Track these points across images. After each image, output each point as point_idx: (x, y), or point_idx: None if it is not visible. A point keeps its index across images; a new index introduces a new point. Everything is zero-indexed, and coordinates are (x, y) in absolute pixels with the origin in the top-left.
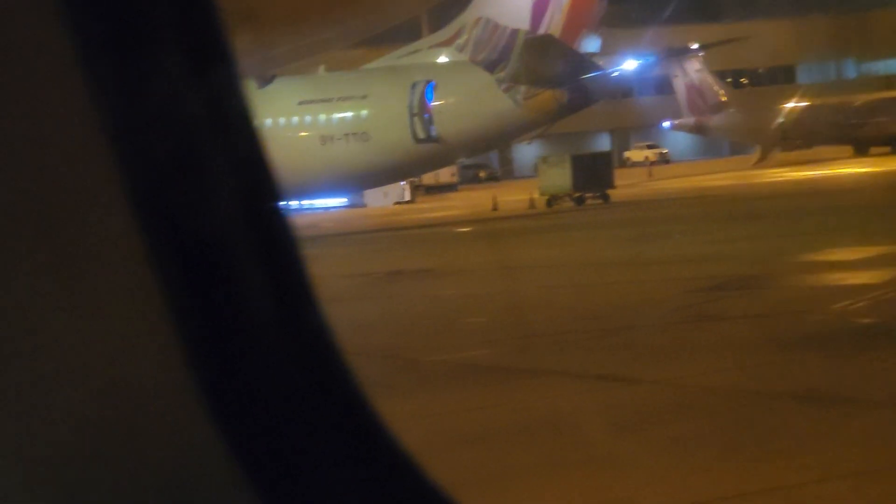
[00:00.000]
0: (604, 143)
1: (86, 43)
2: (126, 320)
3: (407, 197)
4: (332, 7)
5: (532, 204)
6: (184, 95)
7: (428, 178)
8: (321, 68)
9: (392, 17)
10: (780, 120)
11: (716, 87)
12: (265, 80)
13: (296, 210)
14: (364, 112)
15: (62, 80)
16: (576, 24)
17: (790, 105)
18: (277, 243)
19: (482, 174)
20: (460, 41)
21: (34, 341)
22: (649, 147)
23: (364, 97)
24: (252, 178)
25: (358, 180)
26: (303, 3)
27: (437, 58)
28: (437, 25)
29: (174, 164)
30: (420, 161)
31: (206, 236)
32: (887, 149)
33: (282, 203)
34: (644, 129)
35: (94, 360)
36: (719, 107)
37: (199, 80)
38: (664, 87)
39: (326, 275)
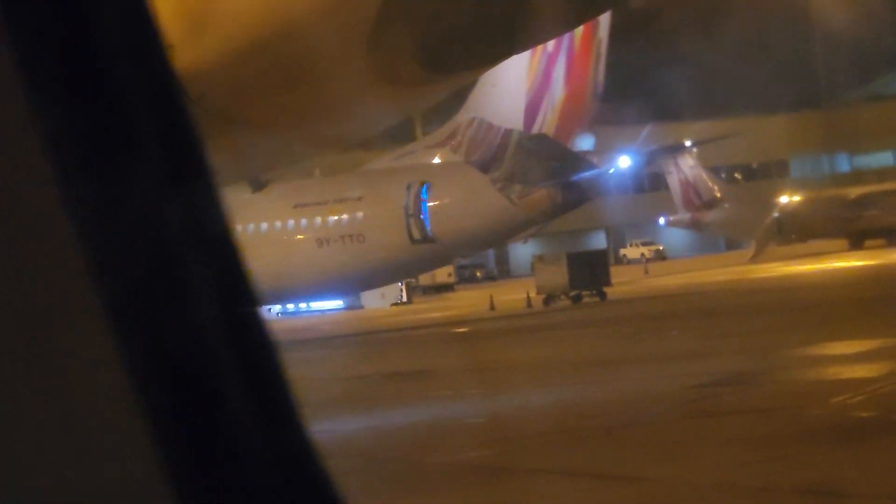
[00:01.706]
0: (600, 241)
1: (60, 153)
2: (106, 443)
3: (404, 298)
4: (305, 115)
5: (529, 303)
6: (159, 207)
7: (425, 279)
8: (316, 171)
9: (368, 127)
10: (775, 215)
11: (710, 183)
12: (260, 185)
13: (293, 313)
14: (360, 214)
15: (37, 197)
16: (569, 122)
17: (784, 200)
18: (257, 353)
19: (479, 274)
20: (455, 142)
21: None
22: (645, 244)
23: (359, 199)
24: (230, 287)
25: (354, 282)
26: (276, 109)
27: (432, 159)
28: (431, 127)
29: (150, 279)
30: (416, 262)
31: (186, 351)
32: (882, 241)
33: (260, 310)
34: (639, 226)
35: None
36: (714, 202)
37: (175, 191)
38: (659, 183)
39: (323, 377)
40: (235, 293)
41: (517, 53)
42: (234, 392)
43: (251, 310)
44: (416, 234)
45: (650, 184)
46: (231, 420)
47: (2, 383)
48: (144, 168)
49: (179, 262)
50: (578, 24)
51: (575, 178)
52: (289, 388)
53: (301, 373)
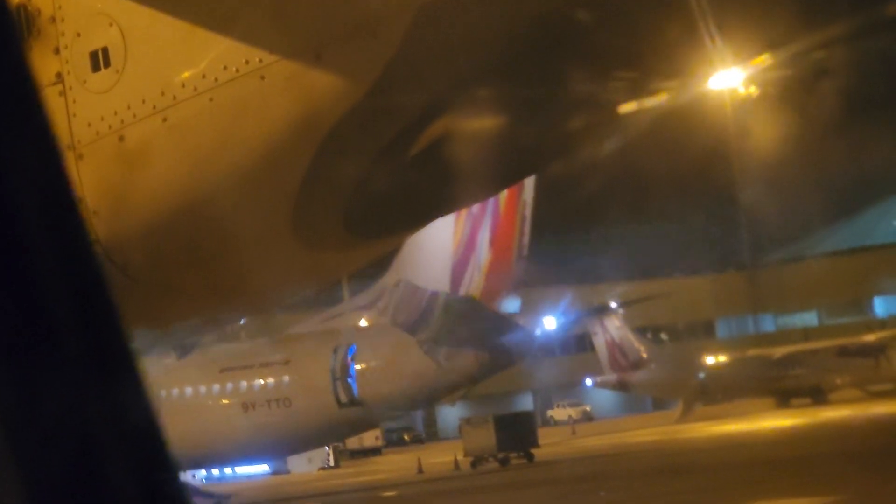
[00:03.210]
0: (527, 403)
1: None
2: None
3: (331, 462)
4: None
5: (457, 465)
6: (81, 394)
7: (352, 442)
8: (242, 334)
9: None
10: (701, 375)
11: (636, 344)
12: (185, 350)
13: (218, 478)
14: (286, 377)
15: None
16: (495, 284)
17: (710, 360)
18: None
19: (407, 437)
20: (381, 304)
21: None
22: (572, 405)
23: (286, 363)
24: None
25: (281, 446)
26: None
27: (359, 321)
28: (358, 289)
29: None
30: (344, 425)
31: None
32: (808, 400)
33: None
34: (566, 388)
35: None
36: (640, 363)
37: (94, 373)
38: (585, 344)
39: None
40: (155, 466)
41: (442, 217)
42: None
43: (172, 482)
44: (343, 398)
45: (577, 345)
46: None
47: None
48: (65, 350)
49: (103, 441)
50: (503, 189)
51: (502, 340)
52: None
53: None
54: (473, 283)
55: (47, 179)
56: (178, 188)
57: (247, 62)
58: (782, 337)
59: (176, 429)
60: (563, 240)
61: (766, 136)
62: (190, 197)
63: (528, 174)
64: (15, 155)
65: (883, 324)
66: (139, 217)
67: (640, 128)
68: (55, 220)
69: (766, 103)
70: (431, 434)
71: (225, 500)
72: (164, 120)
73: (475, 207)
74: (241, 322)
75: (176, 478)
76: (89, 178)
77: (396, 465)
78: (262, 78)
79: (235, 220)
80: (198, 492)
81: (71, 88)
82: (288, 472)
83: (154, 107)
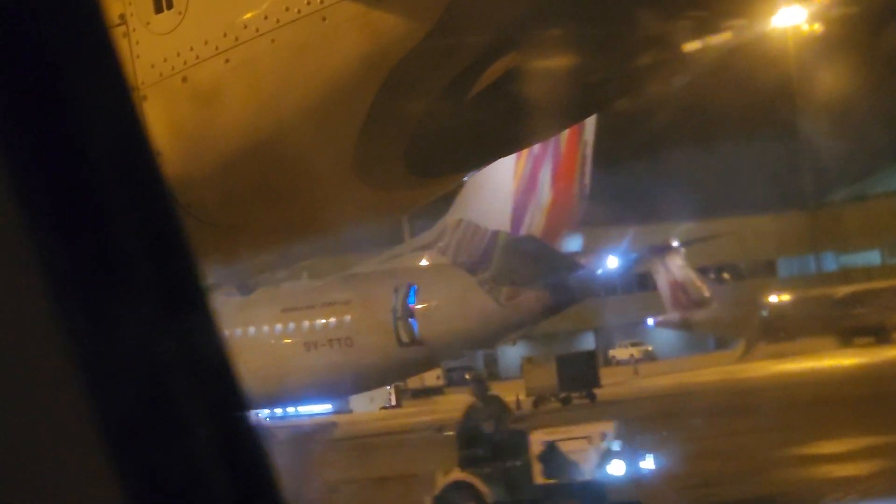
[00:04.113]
0: (588, 342)
1: (58, 285)
2: None
3: (393, 401)
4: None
5: (519, 405)
6: (153, 326)
7: (413, 382)
8: (304, 275)
9: (355, 232)
10: (763, 314)
11: (698, 283)
12: (248, 289)
13: (281, 417)
14: (347, 317)
15: (32, 324)
16: (556, 223)
17: (773, 299)
18: (251, 467)
19: (468, 376)
20: (442, 244)
21: None
22: (634, 345)
23: (347, 302)
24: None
25: (343, 386)
26: (264, 217)
27: (420, 261)
28: (419, 229)
29: (145, 399)
30: (405, 365)
31: (182, 471)
32: (871, 339)
33: (254, 420)
34: (628, 327)
35: None
36: (702, 302)
37: (168, 308)
38: (647, 284)
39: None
40: (228, 406)
41: (504, 157)
42: None
43: (245, 421)
44: (404, 337)
45: (639, 284)
46: None
47: None
48: (138, 287)
49: (173, 380)
50: (565, 128)
51: (563, 279)
52: (281, 497)
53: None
54: (535, 223)
55: (118, 120)
56: (241, 128)
57: (308, 3)
58: (844, 276)
59: (239, 368)
60: (626, 179)
61: (831, 73)
62: (253, 137)
63: (591, 113)
64: (85, 97)
65: None
66: (203, 157)
67: (705, 66)
68: (127, 161)
69: (831, 41)
70: (493, 374)
71: (330, 427)
72: (227, 61)
73: (536, 147)
74: (303, 261)
75: (248, 416)
76: (153, 120)
77: (458, 404)
78: (324, 19)
79: (298, 160)
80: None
81: (134, 30)
82: (350, 411)
83: (216, 48)
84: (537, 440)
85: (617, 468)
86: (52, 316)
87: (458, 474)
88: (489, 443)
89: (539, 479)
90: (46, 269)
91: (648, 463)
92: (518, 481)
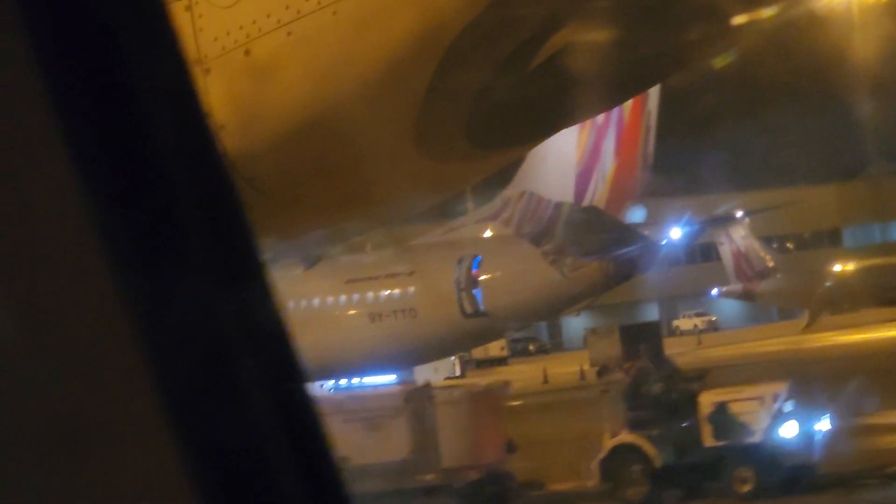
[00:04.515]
0: (652, 313)
1: (121, 259)
2: None
3: (457, 372)
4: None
5: (583, 375)
6: (213, 295)
7: (478, 352)
8: (368, 246)
9: (417, 204)
10: (828, 284)
11: (762, 253)
12: (312, 261)
13: (346, 388)
14: (411, 288)
15: (94, 292)
16: (620, 194)
17: (837, 268)
18: (309, 437)
19: (532, 347)
20: (505, 215)
21: None
22: (697, 315)
23: (411, 274)
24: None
25: (407, 356)
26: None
27: (483, 232)
28: (482, 201)
29: (204, 368)
30: (469, 335)
31: (240, 438)
32: None
33: (312, 391)
34: (692, 298)
35: None
36: (766, 272)
37: (228, 279)
38: (711, 254)
39: None
40: (287, 376)
41: (566, 128)
42: (289, 477)
43: (303, 392)
44: (468, 308)
45: (702, 255)
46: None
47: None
48: (199, 260)
49: (232, 349)
50: (626, 100)
51: (626, 250)
52: (339, 469)
53: None
54: (598, 194)
55: (178, 94)
56: (303, 101)
57: None
58: None
59: (303, 340)
60: (689, 149)
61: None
62: (315, 109)
63: (651, 84)
64: (147, 70)
65: None
66: (266, 130)
67: (765, 34)
68: (187, 135)
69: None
70: (556, 344)
71: (507, 387)
72: (289, 34)
73: (600, 118)
74: (367, 233)
75: (305, 387)
76: (216, 93)
77: (522, 375)
78: None
79: (359, 133)
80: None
81: (197, 3)
82: (414, 382)
83: (279, 21)
84: (707, 401)
85: (790, 430)
86: (115, 289)
87: (624, 437)
88: (657, 404)
89: (708, 441)
90: (109, 243)
91: (824, 424)
92: (687, 443)
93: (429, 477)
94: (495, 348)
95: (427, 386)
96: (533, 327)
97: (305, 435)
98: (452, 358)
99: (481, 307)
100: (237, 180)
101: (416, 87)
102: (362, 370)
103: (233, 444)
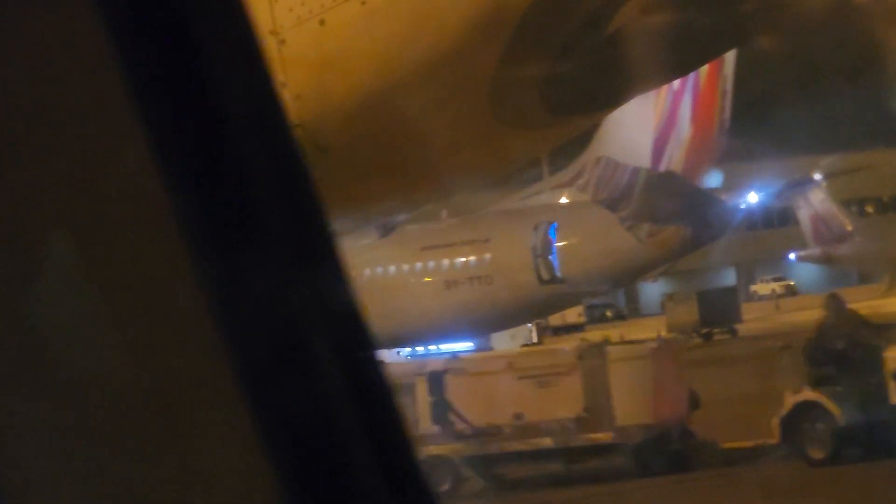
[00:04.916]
0: (729, 278)
1: (191, 230)
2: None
3: (534, 339)
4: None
5: None
6: (286, 274)
7: (555, 319)
8: (443, 213)
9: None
10: None
11: (841, 217)
12: (387, 229)
13: (423, 355)
14: (487, 255)
15: (167, 273)
16: (696, 159)
17: None
18: (381, 412)
19: (609, 313)
20: (582, 181)
21: None
22: (775, 280)
23: (487, 240)
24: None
25: (484, 324)
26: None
27: (560, 199)
28: (558, 167)
29: (277, 345)
30: (546, 302)
31: (313, 416)
32: None
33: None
34: (770, 262)
35: None
36: (845, 236)
37: (300, 258)
38: (788, 218)
39: None
40: (358, 349)
41: (642, 94)
42: (362, 451)
43: (374, 366)
44: (545, 275)
45: (780, 219)
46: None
47: (138, 456)
48: (270, 235)
49: (306, 327)
50: (702, 65)
51: (704, 215)
52: (412, 444)
53: None
54: (675, 159)
55: (248, 65)
56: (377, 71)
57: None
58: None
59: (380, 307)
60: (766, 113)
61: None
62: (390, 78)
63: (727, 49)
64: (216, 42)
65: None
66: (341, 99)
67: None
68: (257, 106)
69: None
70: (633, 310)
71: (683, 340)
72: (363, 3)
73: (676, 83)
74: (442, 201)
75: (377, 360)
76: (292, 63)
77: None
78: None
79: (435, 100)
80: None
81: None
82: (491, 348)
83: None
84: (894, 357)
85: None
86: (192, 270)
87: (807, 394)
88: (841, 360)
89: None
90: (185, 224)
91: None
92: (872, 401)
93: (603, 435)
94: (572, 315)
95: (602, 342)
96: (610, 294)
97: (379, 411)
98: (530, 325)
99: (558, 274)
100: (312, 151)
101: (490, 55)
102: (439, 337)
103: (307, 421)
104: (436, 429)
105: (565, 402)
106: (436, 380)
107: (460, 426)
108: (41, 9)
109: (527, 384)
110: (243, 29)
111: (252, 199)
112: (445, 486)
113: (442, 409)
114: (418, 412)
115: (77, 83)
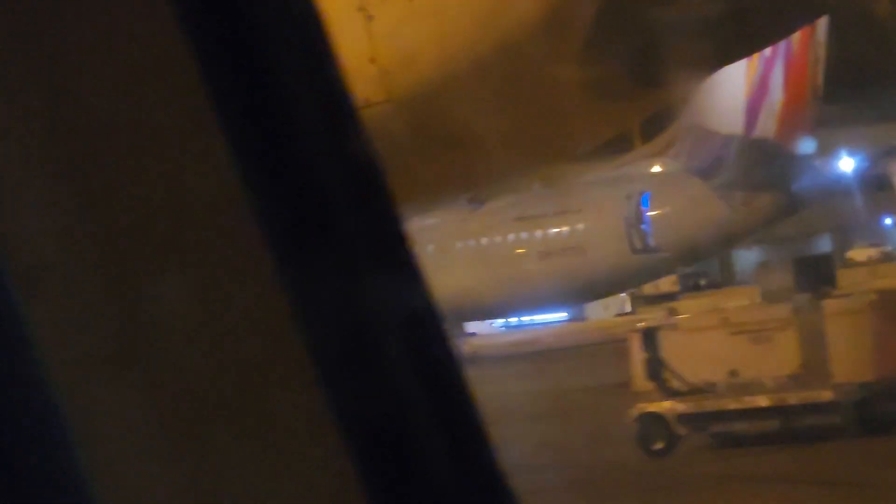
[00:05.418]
0: (824, 245)
1: (269, 236)
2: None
3: (627, 308)
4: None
5: None
6: (362, 276)
7: (648, 288)
8: (535, 184)
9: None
10: None
11: None
12: (480, 201)
13: (517, 326)
14: (580, 225)
15: (252, 278)
16: (789, 126)
17: None
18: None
19: (703, 281)
20: (674, 150)
21: None
22: (872, 246)
23: (579, 211)
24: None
25: (577, 294)
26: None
27: (652, 168)
28: (649, 136)
29: (353, 341)
30: (639, 272)
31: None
32: None
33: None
34: (865, 228)
35: None
36: None
37: (374, 257)
38: (884, 184)
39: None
40: (436, 351)
41: (733, 62)
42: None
43: (452, 368)
44: (638, 245)
45: (875, 185)
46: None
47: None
48: (344, 235)
49: (381, 323)
50: (793, 32)
51: (798, 182)
52: (487, 434)
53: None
54: (767, 126)
55: (322, 67)
56: (468, 43)
57: None
58: None
59: (474, 278)
60: (860, 79)
61: None
62: (479, 51)
63: (818, 16)
64: (288, 40)
65: None
66: (431, 74)
67: None
68: (332, 110)
69: None
70: (727, 278)
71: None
72: None
73: (768, 50)
74: (535, 173)
75: (454, 361)
76: (381, 38)
77: (694, 310)
78: None
79: (524, 72)
80: None
81: None
82: (585, 318)
83: None
84: None
85: None
86: (270, 268)
87: None
88: None
89: None
90: (262, 223)
91: None
92: None
93: (820, 392)
94: (666, 283)
95: (818, 296)
96: (703, 262)
97: (455, 410)
98: (623, 294)
99: (651, 243)
100: (402, 125)
101: (580, 25)
102: (533, 308)
103: (383, 409)
104: (650, 386)
105: (781, 358)
106: (649, 337)
107: (675, 383)
108: (120, 8)
109: (741, 340)
110: (316, 27)
111: (326, 197)
112: (660, 445)
113: (656, 366)
114: (632, 370)
115: (156, 84)
